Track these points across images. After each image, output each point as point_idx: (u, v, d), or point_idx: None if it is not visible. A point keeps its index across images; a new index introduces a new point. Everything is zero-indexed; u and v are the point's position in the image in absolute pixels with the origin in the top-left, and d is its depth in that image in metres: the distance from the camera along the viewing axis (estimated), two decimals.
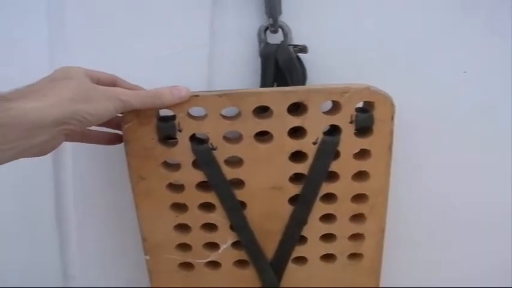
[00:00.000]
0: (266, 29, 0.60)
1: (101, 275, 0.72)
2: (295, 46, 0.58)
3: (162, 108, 0.54)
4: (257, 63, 0.61)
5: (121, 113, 0.52)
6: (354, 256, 0.63)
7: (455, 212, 0.69)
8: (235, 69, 0.63)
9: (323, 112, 0.55)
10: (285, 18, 0.59)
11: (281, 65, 0.58)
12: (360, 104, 0.56)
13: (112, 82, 0.53)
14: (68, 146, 0.64)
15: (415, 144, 0.65)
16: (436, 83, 0.63)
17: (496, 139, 0.66)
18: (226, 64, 0.63)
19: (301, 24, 0.60)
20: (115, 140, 0.58)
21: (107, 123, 0.56)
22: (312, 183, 0.58)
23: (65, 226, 0.69)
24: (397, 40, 0.61)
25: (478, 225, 0.70)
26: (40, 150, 0.44)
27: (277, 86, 0.60)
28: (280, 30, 0.60)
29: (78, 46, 0.60)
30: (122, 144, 0.56)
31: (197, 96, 0.54)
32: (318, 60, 0.61)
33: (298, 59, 0.59)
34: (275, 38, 0.60)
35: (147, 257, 0.62)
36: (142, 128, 0.55)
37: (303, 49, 0.58)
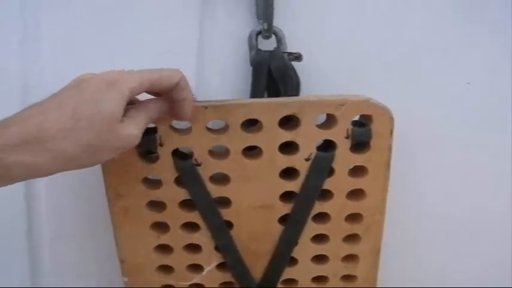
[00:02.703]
0: (258, 34, 0.56)
1: None
2: (290, 54, 0.55)
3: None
4: (247, 69, 0.57)
5: None
6: (347, 278, 0.60)
7: (456, 232, 0.66)
8: (224, 75, 0.59)
9: (317, 126, 0.52)
10: (276, 22, 0.55)
11: (274, 73, 0.54)
12: (356, 117, 0.53)
13: (170, 88, 0.45)
14: None
15: (413, 159, 0.62)
16: (438, 94, 0.60)
17: (501, 153, 0.63)
18: (214, 70, 0.58)
19: (295, 29, 0.56)
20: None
21: None
22: (303, 201, 0.55)
23: (37, 241, 0.65)
24: (398, 48, 0.58)
25: (480, 243, 0.67)
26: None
27: (268, 95, 0.56)
28: (273, 35, 0.56)
29: (54, 44, 0.56)
30: None
31: None
32: (313, 68, 0.57)
33: (292, 67, 0.55)
34: (267, 45, 0.56)
35: (126, 279, 0.59)
36: None
37: (298, 57, 0.55)
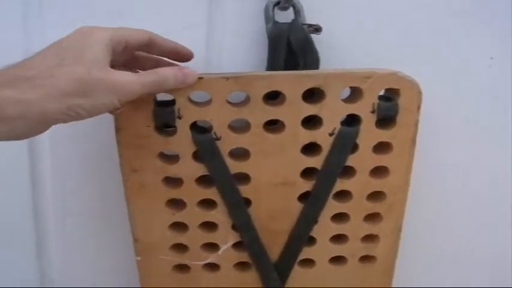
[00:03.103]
0: (275, 5, 0.53)
1: (83, 278, 0.67)
2: (310, 25, 0.52)
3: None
4: (260, 44, 0.55)
5: None
6: (366, 259, 0.59)
7: (477, 213, 0.65)
8: (237, 49, 0.57)
9: (341, 100, 0.50)
10: None
11: (294, 46, 0.52)
12: (381, 92, 0.51)
13: (145, 41, 0.46)
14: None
15: (436, 137, 0.60)
16: (461, 70, 0.58)
17: None
18: (225, 45, 0.57)
19: (312, 1, 0.54)
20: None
21: None
22: (325, 179, 0.53)
23: (43, 223, 0.63)
24: (419, 22, 0.56)
25: (502, 224, 0.66)
26: (18, 137, 0.40)
27: (286, 70, 0.54)
28: (291, 7, 0.54)
29: (58, 19, 0.54)
30: (110, 130, 0.50)
31: (200, 78, 0.48)
32: (332, 42, 0.55)
33: (312, 40, 0.53)
34: (283, 17, 0.54)
35: (139, 258, 0.57)
36: (136, 114, 0.49)
37: (318, 29, 0.52)
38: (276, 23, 0.53)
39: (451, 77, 0.58)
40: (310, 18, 0.53)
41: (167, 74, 0.45)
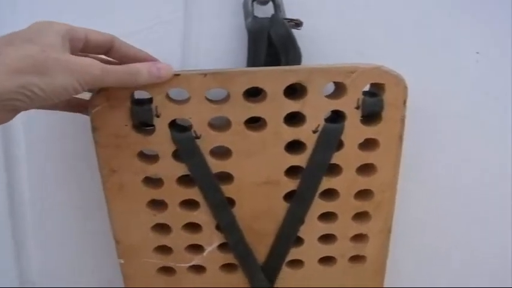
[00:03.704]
0: None
1: (64, 281, 0.66)
2: (290, 20, 0.51)
3: (137, 88, 0.46)
4: (240, 40, 0.54)
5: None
6: (356, 259, 0.58)
7: (467, 210, 0.64)
8: (214, 48, 0.56)
9: (325, 96, 0.49)
10: None
11: (275, 41, 0.51)
12: (367, 88, 0.50)
13: (107, 44, 0.46)
14: (20, 129, 0.56)
15: (423, 133, 0.59)
16: (447, 64, 0.57)
17: None
18: (202, 42, 0.55)
19: None
20: None
21: (71, 106, 0.49)
22: (310, 177, 0.52)
23: (21, 226, 0.62)
24: (404, 16, 0.55)
25: (493, 222, 0.64)
26: None
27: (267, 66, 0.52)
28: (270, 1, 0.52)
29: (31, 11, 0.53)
30: (89, 130, 0.49)
31: (178, 75, 0.46)
32: (312, 37, 0.54)
33: (293, 35, 0.52)
34: (263, 11, 0.53)
35: (122, 261, 0.56)
36: (113, 112, 0.48)
37: (299, 24, 0.51)
38: (255, 17, 0.52)
39: (439, 72, 0.57)
40: (289, 12, 0.52)
41: (140, 67, 0.44)
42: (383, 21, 0.55)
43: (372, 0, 0.54)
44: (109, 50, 0.46)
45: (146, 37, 0.53)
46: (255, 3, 0.52)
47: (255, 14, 0.52)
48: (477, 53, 0.56)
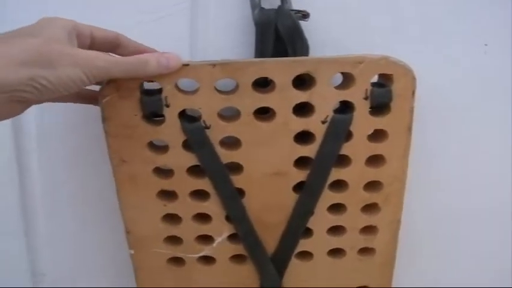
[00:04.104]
0: None
1: (75, 272, 0.66)
2: (297, 12, 0.51)
3: (146, 79, 0.47)
4: (247, 31, 0.54)
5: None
6: (365, 251, 0.58)
7: (476, 203, 0.63)
8: (221, 39, 0.56)
9: (334, 87, 0.49)
10: None
11: (282, 33, 0.51)
12: (375, 79, 0.50)
13: (112, 41, 0.46)
14: (31, 121, 0.57)
15: (430, 125, 0.58)
16: (455, 56, 0.56)
17: None
18: (210, 33, 0.56)
19: None
20: None
21: (81, 98, 0.49)
22: (319, 168, 0.52)
23: (32, 217, 0.63)
24: (412, 6, 0.55)
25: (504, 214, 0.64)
26: None
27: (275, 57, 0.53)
28: None
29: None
30: (99, 121, 0.49)
31: (187, 65, 0.47)
32: (318, 29, 0.54)
33: (300, 27, 0.52)
34: (269, 2, 0.53)
35: (132, 252, 0.56)
36: (123, 102, 0.48)
37: (306, 15, 0.51)
38: (262, 9, 0.52)
39: (447, 64, 0.56)
40: (296, 3, 0.52)
41: (148, 57, 0.45)
42: (390, 13, 0.55)
43: None
44: (117, 48, 0.47)
45: (153, 29, 0.53)
46: None
47: (262, 5, 0.52)
48: (485, 44, 0.56)
